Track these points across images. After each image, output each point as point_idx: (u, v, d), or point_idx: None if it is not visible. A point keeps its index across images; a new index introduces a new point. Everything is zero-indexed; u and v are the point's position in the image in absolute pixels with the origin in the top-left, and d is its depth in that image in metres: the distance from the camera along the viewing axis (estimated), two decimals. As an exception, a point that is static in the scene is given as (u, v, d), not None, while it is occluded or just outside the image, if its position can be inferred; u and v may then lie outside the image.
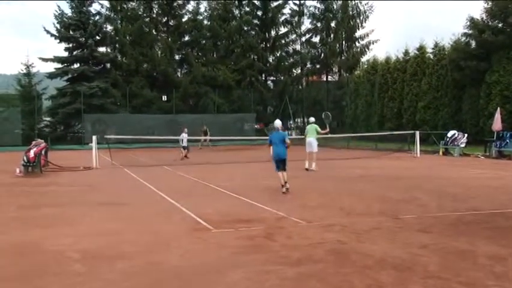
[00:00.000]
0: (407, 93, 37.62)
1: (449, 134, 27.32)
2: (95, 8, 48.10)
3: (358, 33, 51.13)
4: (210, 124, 41.47)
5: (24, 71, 45.38)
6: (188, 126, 37.39)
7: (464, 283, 5.42)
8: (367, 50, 50.80)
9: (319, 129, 19.39)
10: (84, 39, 45.85)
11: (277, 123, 13.93)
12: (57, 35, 46.33)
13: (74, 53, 46.70)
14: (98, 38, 47.42)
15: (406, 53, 39.31)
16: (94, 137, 22.45)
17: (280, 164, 12.91)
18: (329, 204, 10.87)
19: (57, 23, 46.37)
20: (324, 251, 6.75)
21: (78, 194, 13.15)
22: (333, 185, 14.42)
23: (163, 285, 5.63)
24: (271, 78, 55.19)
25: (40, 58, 46.88)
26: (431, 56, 36.86)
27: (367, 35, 50.90)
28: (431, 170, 19.14)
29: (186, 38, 51.35)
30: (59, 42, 46.76)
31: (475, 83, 32.10)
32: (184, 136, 28.63)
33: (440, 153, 27.11)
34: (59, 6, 46.72)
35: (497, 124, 25.09)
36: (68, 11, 46.59)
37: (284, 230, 8.16)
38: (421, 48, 37.63)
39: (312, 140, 18.83)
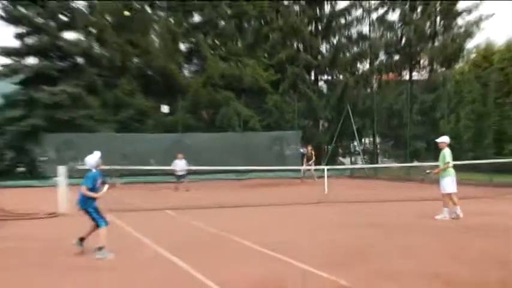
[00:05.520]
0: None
1: None
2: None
3: (460, 4, 51.01)
4: (234, 147, 41.67)
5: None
6: (201, 150, 37.93)
7: None
8: (475, 30, 50.40)
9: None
10: (43, 20, 46.60)
11: (91, 161, 13.48)
12: (2, 14, 47.02)
13: (28, 41, 47.38)
14: (63, 18, 47.99)
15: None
16: (60, 168, 22.62)
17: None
18: (418, 269, 10.74)
19: (4, -2, 46.95)
20: None
21: (39, 254, 13.18)
22: (425, 240, 14.28)
23: None
24: (325, 77, 55.26)
25: None
26: None
27: (476, 8, 50.50)
28: None
29: (196, 18, 51.97)
30: (6, 26, 47.47)
31: None
32: (176, 163, 29.89)
33: None
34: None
35: None
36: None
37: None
38: None
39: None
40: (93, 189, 13.02)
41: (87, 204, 12.93)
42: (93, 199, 13.01)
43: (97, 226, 13.04)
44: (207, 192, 29.15)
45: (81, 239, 13.02)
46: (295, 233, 15.91)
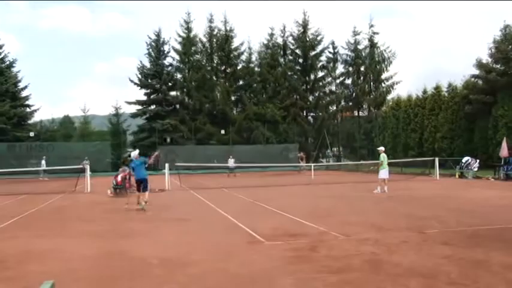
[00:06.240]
0: (426, 125, 37.09)
1: (464, 159, 26.85)
2: (168, 60, 49.90)
3: (383, 76, 50.81)
4: (260, 153, 41.58)
5: (114, 112, 47.71)
6: (243, 155, 37.82)
7: (482, 289, 5.29)
8: (391, 89, 50.40)
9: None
10: (159, 85, 47.46)
11: (133, 154, 14.30)
12: (138, 83, 48.32)
13: (151, 97, 48.52)
14: (170, 84, 48.84)
15: (425, 91, 38.90)
16: (166, 165, 22.81)
17: (141, 184, 13.71)
18: (363, 220, 10.67)
19: (139, 73, 48.61)
20: (361, 261, 6.67)
21: (155, 212, 13.30)
22: (366, 205, 14.19)
23: (226, 288, 5.69)
24: (311, 114, 54.60)
25: (126, 102, 49.68)
26: (446, 94, 36.53)
27: (391, 77, 50.57)
28: (450, 190, 18.58)
29: (241, 82, 51.77)
30: (140, 89, 49.02)
31: (484, 116, 31.84)
32: (229, 161, 32.30)
33: (457, 176, 26.45)
34: (141, 61, 49.61)
35: (504, 151, 24.87)
36: (148, 64, 48.82)
37: (326, 243, 8.09)
38: (438, 88, 37.30)
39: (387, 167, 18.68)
40: (134, 169, 13.87)
41: (146, 175, 13.82)
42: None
43: (144, 192, 13.72)
44: (245, 178, 29.03)
45: (140, 203, 13.54)
46: (294, 201, 15.84)
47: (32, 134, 41.57)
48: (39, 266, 6.89)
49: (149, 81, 47.94)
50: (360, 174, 31.72)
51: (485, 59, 32.70)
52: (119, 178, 18.83)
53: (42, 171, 32.73)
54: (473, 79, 33.80)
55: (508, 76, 30.14)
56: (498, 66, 31.84)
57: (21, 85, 45.05)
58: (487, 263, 6.47)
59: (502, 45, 31.21)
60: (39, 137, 42.59)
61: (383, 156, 18.67)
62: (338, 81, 53.80)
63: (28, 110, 45.37)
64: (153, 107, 48.31)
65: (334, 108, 53.80)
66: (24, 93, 45.28)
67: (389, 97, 49.15)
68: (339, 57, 53.01)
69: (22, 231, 10.15)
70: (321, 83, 53.97)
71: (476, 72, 33.17)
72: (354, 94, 52.11)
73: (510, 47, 31.00)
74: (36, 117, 46.84)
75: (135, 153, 14.31)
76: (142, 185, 13.74)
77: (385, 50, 50.61)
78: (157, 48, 48.55)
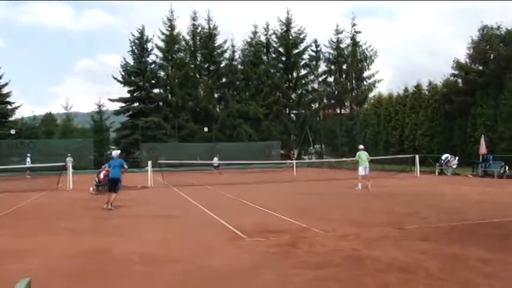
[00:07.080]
0: (407, 123, 37.39)
1: (443, 157, 27.32)
2: (151, 58, 49.33)
3: (365, 74, 50.76)
4: (242, 150, 41.46)
5: (97, 110, 47.05)
6: (225, 152, 37.57)
7: (460, 283, 5.36)
8: (373, 87, 50.34)
9: (368, 156, 19.07)
10: (142, 83, 47.05)
11: (115, 153, 14.34)
12: (122, 80, 47.78)
13: (134, 94, 48.00)
14: (153, 81, 48.37)
15: (406, 90, 39.20)
16: (149, 162, 22.66)
17: (113, 184, 13.31)
18: (343, 217, 10.72)
19: (123, 71, 48.09)
20: (340, 257, 6.69)
21: (138, 208, 13.27)
22: (346, 201, 14.27)
23: (207, 284, 5.66)
24: (294, 111, 54.73)
25: (109, 99, 49.58)
26: (427, 92, 36.84)
27: (373, 75, 50.49)
28: (429, 187, 18.79)
29: (224, 80, 51.59)
30: (123, 86, 48.54)
31: (463, 115, 32.31)
32: (214, 159, 32.48)
33: (436, 173, 26.82)
34: (124, 58, 48.71)
35: (482, 148, 25.37)
36: (131, 62, 48.27)
37: (306, 239, 8.09)
38: (418, 86, 37.62)
39: (367, 165, 18.53)
40: (110, 166, 13.70)
41: (119, 175, 13.43)
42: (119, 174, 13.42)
43: (114, 192, 13.16)
44: (228, 175, 28.95)
45: (109, 203, 12.98)
46: (276, 198, 15.87)
47: (13, 131, 40.91)
48: (20, 264, 6.78)
49: (132, 78, 47.48)
50: (341, 171, 31.90)
51: (464, 59, 33.17)
52: (101, 175, 18.60)
53: (27, 168, 32.30)
54: (452, 78, 34.27)
55: (486, 76, 30.60)
56: (476, 66, 32.28)
57: (1, 82, 44.21)
58: (465, 257, 6.56)
59: (479, 46, 31.67)
60: (21, 134, 41.97)
61: (358, 154, 18.80)
62: (320, 79, 53.88)
63: (9, 107, 44.45)
64: (136, 104, 47.87)
65: (317, 105, 53.93)
66: (4, 90, 44.36)
67: (370, 95, 49.35)
68: (321, 56, 53.01)
69: (2, 230, 9.97)
70: (303, 81, 54.09)
71: (456, 72, 33.65)
72: (336, 92, 52.13)
73: (488, 47, 31.47)
74: (18, 115, 45.98)
75: (116, 152, 14.41)
76: (114, 184, 13.33)
77: (367, 49, 50.69)
78: (140, 45, 48.05)
